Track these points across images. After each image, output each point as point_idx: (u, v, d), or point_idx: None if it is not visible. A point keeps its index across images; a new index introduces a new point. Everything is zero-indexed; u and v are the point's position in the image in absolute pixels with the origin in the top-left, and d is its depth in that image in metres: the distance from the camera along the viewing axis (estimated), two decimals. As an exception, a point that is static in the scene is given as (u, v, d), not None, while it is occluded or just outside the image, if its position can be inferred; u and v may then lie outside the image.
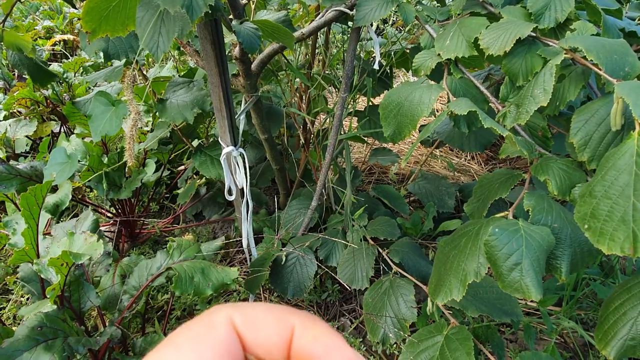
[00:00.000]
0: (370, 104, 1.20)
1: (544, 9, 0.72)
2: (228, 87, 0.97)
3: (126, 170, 1.34)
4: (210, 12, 0.68)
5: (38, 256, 0.90)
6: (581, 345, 1.13)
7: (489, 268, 0.57)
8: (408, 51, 1.21)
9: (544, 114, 0.72)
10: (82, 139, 1.33)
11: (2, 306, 1.29)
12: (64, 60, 2.63)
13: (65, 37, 2.53)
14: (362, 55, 1.26)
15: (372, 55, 1.27)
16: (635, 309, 0.56)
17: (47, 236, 1.02)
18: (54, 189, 1.14)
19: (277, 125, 1.33)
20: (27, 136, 1.74)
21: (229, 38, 1.05)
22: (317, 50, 1.29)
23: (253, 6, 1.11)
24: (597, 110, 0.59)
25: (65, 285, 0.87)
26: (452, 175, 1.86)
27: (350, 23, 0.97)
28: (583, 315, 1.20)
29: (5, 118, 1.74)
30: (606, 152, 0.53)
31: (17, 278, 1.07)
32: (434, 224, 1.37)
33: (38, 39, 2.66)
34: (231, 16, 0.87)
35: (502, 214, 0.63)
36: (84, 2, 0.69)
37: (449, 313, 0.85)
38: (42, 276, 0.85)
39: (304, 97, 1.35)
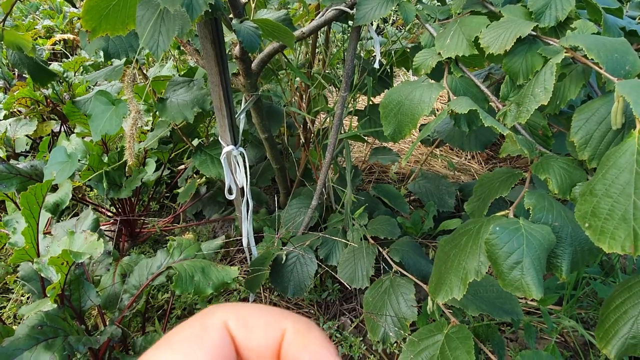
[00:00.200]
0: (371, 103, 1.20)
1: (545, 7, 0.72)
2: (228, 86, 0.97)
3: (126, 169, 1.34)
4: (210, 10, 0.68)
5: (38, 255, 0.90)
6: (582, 344, 1.13)
7: (489, 267, 0.57)
8: (408, 50, 1.21)
9: (545, 113, 0.72)
10: (82, 138, 1.33)
11: (2, 305, 1.29)
12: (64, 59, 2.63)
13: (66, 36, 2.53)
14: (362, 54, 1.25)
15: (373, 54, 1.26)
16: (635, 308, 0.56)
17: (47, 235, 1.02)
18: (54, 188, 1.14)
19: (278, 125, 1.33)
20: (27, 135, 1.74)
21: (229, 37, 1.04)
22: (317, 50, 1.29)
23: (253, 5, 1.10)
24: (598, 109, 0.59)
25: (66, 284, 0.88)
26: (453, 175, 1.86)
27: (350, 22, 0.97)
28: (583, 314, 1.20)
29: (6, 117, 1.74)
30: (607, 151, 0.53)
31: (17, 277, 1.07)
32: (434, 223, 1.37)
33: (38, 38, 2.66)
34: (231, 15, 0.86)
35: (502, 213, 0.63)
36: (84, 1, 0.69)
37: (450, 312, 0.85)
38: (42, 275, 0.85)
39: (304, 96, 1.34)
